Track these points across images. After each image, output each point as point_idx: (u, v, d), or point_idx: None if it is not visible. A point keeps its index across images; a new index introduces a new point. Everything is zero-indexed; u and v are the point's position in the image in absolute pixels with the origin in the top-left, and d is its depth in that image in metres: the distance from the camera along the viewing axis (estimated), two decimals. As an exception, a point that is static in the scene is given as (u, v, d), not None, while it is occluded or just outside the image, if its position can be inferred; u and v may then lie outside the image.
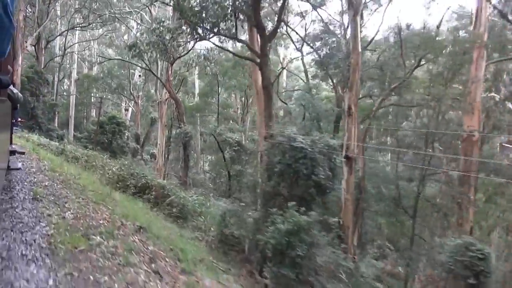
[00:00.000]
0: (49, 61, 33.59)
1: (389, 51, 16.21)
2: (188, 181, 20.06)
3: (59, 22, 34.74)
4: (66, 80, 45.02)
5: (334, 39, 20.28)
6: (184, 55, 16.54)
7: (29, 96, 24.69)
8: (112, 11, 28.71)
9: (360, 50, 11.96)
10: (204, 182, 25.07)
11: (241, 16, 10.55)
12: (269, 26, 16.26)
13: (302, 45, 21.60)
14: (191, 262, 5.01)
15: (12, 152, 5.98)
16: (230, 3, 10.35)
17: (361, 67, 12.40)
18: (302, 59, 21.57)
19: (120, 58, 32.82)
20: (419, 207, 14.26)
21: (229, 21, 10.48)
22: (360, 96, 15.90)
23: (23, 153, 9.13)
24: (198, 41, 11.75)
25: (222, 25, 10.52)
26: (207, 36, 11.23)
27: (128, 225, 5.00)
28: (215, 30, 10.57)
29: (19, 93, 5.03)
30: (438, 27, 15.50)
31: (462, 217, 12.62)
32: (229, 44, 30.29)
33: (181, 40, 12.26)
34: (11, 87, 4.12)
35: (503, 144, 19.41)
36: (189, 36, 11.57)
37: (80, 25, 34.36)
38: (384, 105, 16.48)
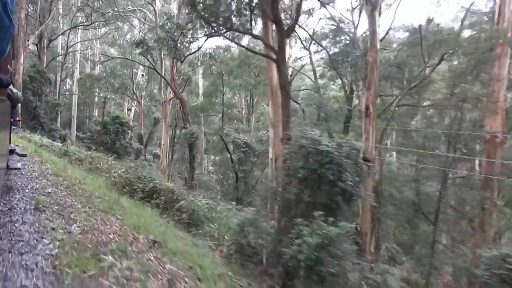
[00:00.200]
0: (51, 60, 33.16)
1: (406, 49, 15.58)
2: (194, 183, 19.53)
3: (61, 21, 34.33)
4: (68, 79, 44.64)
5: (343, 37, 19.72)
6: (194, 52, 16.02)
7: (31, 95, 24.25)
8: (116, 9, 28.21)
9: (378, 47, 11.41)
10: (209, 183, 24.53)
11: (256, 11, 10.00)
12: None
13: (310, 44, 21.04)
14: (211, 279, 4.48)
15: (11, 151, 5.84)
16: (246, -4, 9.84)
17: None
18: (310, 58, 21.05)
19: (124, 57, 32.33)
20: (438, 211, 13.67)
21: (242, 16, 9.93)
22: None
23: (24, 155, 8.63)
24: (210, 37, 11.22)
25: (235, 20, 9.98)
26: (219, 32, 10.67)
27: (141, 239, 4.47)
28: (228, 25, 10.00)
29: (19, 93, 5.00)
30: (462, 22, 14.80)
31: (485, 222, 12.05)
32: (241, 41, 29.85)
33: (192, 37, 11.72)
34: (11, 86, 4.11)
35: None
36: (200, 32, 11.03)
37: (83, 24, 33.92)
38: (400, 105, 15.88)
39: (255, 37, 11.97)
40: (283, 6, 13.67)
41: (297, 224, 5.60)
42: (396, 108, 15.71)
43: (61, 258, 3.17)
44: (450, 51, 14.09)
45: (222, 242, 7.40)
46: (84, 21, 33.31)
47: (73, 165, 11.67)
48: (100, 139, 24.21)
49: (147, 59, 22.15)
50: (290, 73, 31.21)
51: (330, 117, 19.53)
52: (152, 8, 26.19)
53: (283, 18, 11.40)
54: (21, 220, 3.81)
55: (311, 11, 20.78)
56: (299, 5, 11.27)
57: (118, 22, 34.84)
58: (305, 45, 20.75)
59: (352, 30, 19.29)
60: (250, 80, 26.19)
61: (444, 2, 28.64)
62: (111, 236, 4.22)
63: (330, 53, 18.98)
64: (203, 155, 35.95)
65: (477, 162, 16.14)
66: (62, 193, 5.72)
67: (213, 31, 10.50)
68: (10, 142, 5.41)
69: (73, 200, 5.44)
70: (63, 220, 4.30)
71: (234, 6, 9.54)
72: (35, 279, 2.73)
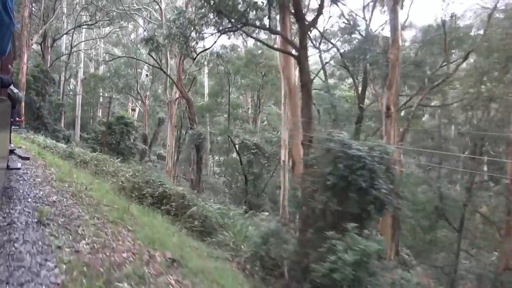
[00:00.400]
0: (55, 60, 32.81)
1: (423, 46, 14.93)
2: (201, 185, 19.01)
3: (65, 21, 33.98)
4: (72, 79, 44.33)
5: (354, 35, 19.15)
6: (207, 49, 15.50)
7: (34, 95, 23.85)
8: (121, 8, 27.77)
9: (400, 43, 10.83)
10: (216, 186, 24.03)
11: (275, 3, 9.42)
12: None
13: (320, 42, 20.46)
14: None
15: (11, 151, 5.85)
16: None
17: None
18: (320, 56, 20.48)
19: (129, 56, 31.92)
20: (455, 215, 12.98)
21: (259, 10, 9.37)
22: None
23: (27, 158, 8.14)
24: (224, 33, 10.66)
25: (252, 14, 9.42)
26: (234, 28, 10.10)
27: (157, 257, 3.94)
28: (244, 20, 9.42)
29: (19, 93, 5.14)
30: (489, 18, 14.10)
31: (512, 229, 11.47)
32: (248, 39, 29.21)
33: (205, 32, 11.20)
34: (11, 86, 4.18)
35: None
36: (213, 28, 10.45)
37: (87, 24, 33.53)
38: (421, 104, 15.27)
39: (274, 32, 11.33)
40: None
41: (328, 237, 5.05)
42: (406, 108, 15.11)
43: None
44: (471, 49, 13.45)
45: (238, 252, 6.86)
46: (88, 20, 32.93)
47: (78, 168, 11.19)
48: (105, 140, 23.76)
49: (153, 58, 21.65)
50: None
51: (341, 118, 18.95)
52: (157, 6, 25.73)
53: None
54: (22, 239, 3.30)
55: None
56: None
57: (122, 22, 34.45)
58: (314, 43, 20.15)
59: (364, 27, 18.70)
60: (257, 80, 25.65)
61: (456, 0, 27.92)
62: (125, 255, 3.69)
63: (341, 51, 18.39)
64: (207, 156, 35.50)
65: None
66: (68, 202, 5.21)
67: (227, 26, 9.93)
68: (10, 142, 5.29)
69: (80, 210, 4.92)
70: (70, 236, 3.78)
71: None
72: (37, 322, 2.21)
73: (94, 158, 13.04)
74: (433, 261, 14.36)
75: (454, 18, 14.28)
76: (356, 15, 18.96)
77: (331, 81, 22.91)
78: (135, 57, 28.79)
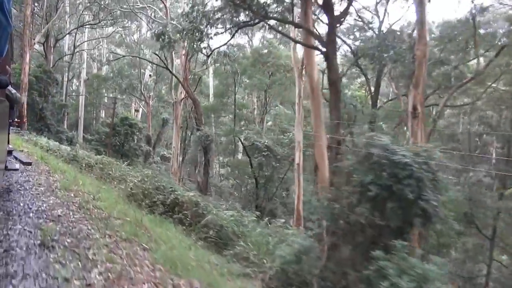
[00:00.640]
0: (58, 60, 32.33)
1: (448, 43, 14.21)
2: (209, 188, 18.40)
3: (68, 20, 33.51)
4: (75, 80, 43.91)
5: (367, 32, 18.50)
6: (223, 45, 14.97)
7: (37, 96, 23.35)
8: (125, 6, 27.22)
9: (428, 39, 10.15)
10: (222, 188, 23.40)
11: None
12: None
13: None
14: None
15: (9, 152, 5.88)
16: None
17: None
18: (330, 55, 19.73)
19: (134, 55, 31.41)
20: (485, 222, 12.29)
21: (280, 2, 8.78)
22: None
23: (29, 164, 7.57)
24: (242, 27, 10.06)
25: (272, 7, 8.84)
26: (253, 21, 9.49)
27: (182, 286, 3.31)
28: (263, 13, 8.81)
29: (17, 93, 5.27)
30: None
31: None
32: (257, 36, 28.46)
33: (221, 27, 10.50)
34: (9, 87, 4.14)
35: None
36: (230, 23, 9.77)
37: (90, 23, 33.04)
38: (448, 105, 14.61)
39: (298, 26, 10.64)
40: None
41: (374, 257, 4.42)
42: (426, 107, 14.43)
43: None
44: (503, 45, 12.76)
45: (261, 267, 6.23)
46: (91, 20, 32.43)
47: (83, 172, 10.62)
48: (110, 141, 23.20)
49: (158, 57, 21.06)
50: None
51: (353, 118, 18.30)
52: (162, 5, 25.17)
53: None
54: (22, 271, 2.68)
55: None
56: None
57: (126, 21, 33.96)
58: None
59: (375, 24, 18.04)
60: (264, 80, 25.02)
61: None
62: (146, 286, 3.06)
63: (353, 49, 17.72)
64: (214, 158, 34.93)
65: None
66: (75, 216, 4.59)
67: (244, 21, 9.31)
68: (8, 143, 5.26)
69: (89, 226, 4.30)
70: (79, 263, 3.16)
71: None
72: None
73: (99, 161, 12.46)
74: (459, 269, 13.61)
75: (485, 11, 13.51)
76: (370, 11, 18.33)
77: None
78: (140, 56, 28.22)
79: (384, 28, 16.43)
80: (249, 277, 6.05)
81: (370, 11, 18.53)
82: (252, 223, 9.77)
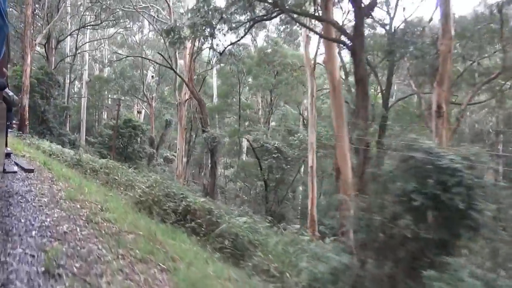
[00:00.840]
0: (59, 61, 31.92)
1: (468, 38, 13.58)
2: (216, 190, 17.88)
3: (69, 22, 33.12)
4: (76, 82, 43.54)
5: (374, 30, 17.95)
6: (238, 41, 14.33)
7: (39, 99, 22.93)
8: (127, 6, 26.76)
9: (453, 33, 9.58)
10: (228, 190, 22.88)
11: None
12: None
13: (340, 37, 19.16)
14: None
15: (7, 155, 6.00)
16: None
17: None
18: (339, 53, 19.17)
19: (138, 55, 30.98)
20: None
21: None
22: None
23: (31, 171, 7.08)
24: (257, 22, 9.51)
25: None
26: (270, 15, 8.96)
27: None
28: (281, 5, 8.26)
29: (15, 96, 5.26)
30: None
31: None
32: (261, 35, 27.91)
33: (234, 22, 9.91)
34: (6, 89, 4.21)
35: None
36: (245, 17, 9.23)
37: (91, 24, 32.61)
38: (471, 103, 14.02)
39: (321, 19, 10.05)
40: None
41: (427, 277, 3.90)
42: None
43: None
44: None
45: (285, 283, 5.71)
46: (93, 20, 32.01)
47: (88, 178, 10.13)
48: (115, 144, 22.71)
49: (162, 56, 20.56)
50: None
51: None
52: (165, 4, 24.70)
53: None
54: (22, 315, 2.16)
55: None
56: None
57: (128, 21, 33.53)
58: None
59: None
60: (270, 79, 24.49)
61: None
62: (173, 326, 2.54)
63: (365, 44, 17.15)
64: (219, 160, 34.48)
65: None
66: (83, 232, 4.07)
67: (260, 15, 8.78)
68: (6, 146, 5.38)
69: (99, 245, 3.78)
70: (92, 296, 2.64)
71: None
72: None
73: (104, 165, 11.97)
74: None
75: (509, 3, 12.81)
76: (379, 7, 17.71)
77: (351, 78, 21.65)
78: (143, 56, 27.78)
79: (395, 24, 15.80)
80: (273, 294, 5.52)
81: (379, 7, 17.94)
82: (266, 230, 9.26)
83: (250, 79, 29.33)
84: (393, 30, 14.49)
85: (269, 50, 26.25)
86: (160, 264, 3.99)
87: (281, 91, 24.86)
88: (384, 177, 4.90)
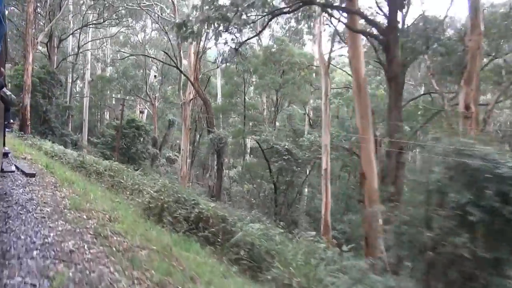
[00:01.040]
0: (61, 60, 31.48)
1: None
2: (222, 193, 17.36)
3: (71, 20, 32.68)
4: (79, 81, 43.12)
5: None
6: (256, 35, 13.78)
7: (41, 98, 22.47)
8: (130, 4, 26.27)
9: (482, 28, 9.01)
10: (235, 192, 22.36)
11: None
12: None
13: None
14: None
15: (5, 155, 5.93)
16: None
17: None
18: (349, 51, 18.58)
19: (142, 54, 30.56)
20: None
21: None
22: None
23: (33, 175, 6.60)
24: (277, 15, 8.97)
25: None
26: (290, 8, 8.42)
27: None
28: None
29: (12, 95, 5.17)
30: None
31: None
32: (265, 34, 27.44)
33: (252, 15, 9.34)
34: (4, 89, 4.16)
35: None
36: (262, 10, 8.66)
37: (93, 23, 32.16)
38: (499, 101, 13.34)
39: (348, 11, 9.41)
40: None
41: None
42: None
43: None
44: None
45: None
46: (96, 19, 31.57)
47: (92, 181, 9.65)
48: (118, 145, 22.22)
49: (168, 55, 20.08)
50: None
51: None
52: (170, 1, 24.23)
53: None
54: None
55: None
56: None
57: (130, 20, 33.06)
58: (342, 37, 18.35)
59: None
60: (277, 79, 23.94)
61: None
62: None
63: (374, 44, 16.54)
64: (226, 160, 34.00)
65: None
66: (91, 250, 3.56)
67: (279, 7, 8.25)
68: (4, 145, 5.22)
69: (111, 267, 3.27)
70: None
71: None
72: None
73: (109, 168, 11.47)
74: None
75: None
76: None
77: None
78: (147, 55, 27.35)
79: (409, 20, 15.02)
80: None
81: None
82: (280, 236, 8.74)
83: (254, 79, 28.83)
84: (406, 27, 13.77)
85: (274, 49, 25.73)
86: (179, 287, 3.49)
87: (287, 90, 24.31)
88: (431, 186, 4.38)
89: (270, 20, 9.86)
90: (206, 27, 8.88)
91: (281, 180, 15.80)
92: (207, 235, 6.85)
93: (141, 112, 43.55)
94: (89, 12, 31.17)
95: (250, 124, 30.53)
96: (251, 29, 12.07)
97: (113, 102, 44.55)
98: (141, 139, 26.07)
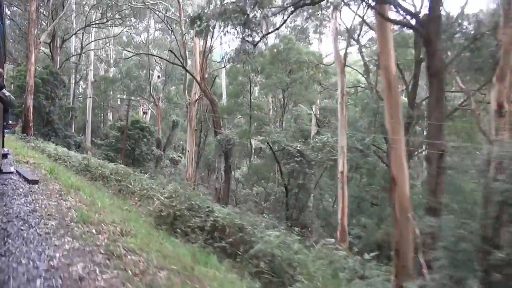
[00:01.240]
0: (64, 61, 31.08)
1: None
2: (231, 197, 16.84)
3: (74, 21, 32.32)
4: (82, 82, 42.78)
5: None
6: (277, 29, 13.21)
7: (44, 99, 22.03)
8: (134, 3, 25.83)
9: None
10: (243, 195, 21.83)
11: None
12: None
13: (359, 35, 18.16)
14: None
15: (4, 156, 5.97)
16: None
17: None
18: (360, 50, 18.15)
19: (146, 53, 30.13)
20: None
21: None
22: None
23: (36, 182, 6.10)
24: (302, 6, 8.41)
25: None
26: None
27: None
28: None
29: (11, 96, 5.07)
30: None
31: None
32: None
33: (273, 7, 8.77)
34: (3, 90, 4.28)
35: None
36: (284, 2, 8.14)
37: (97, 22, 31.76)
38: None
39: (386, 1, 8.73)
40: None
41: None
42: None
43: None
44: None
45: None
46: (98, 19, 31.17)
47: (98, 186, 9.17)
48: (124, 146, 21.73)
49: (174, 54, 19.60)
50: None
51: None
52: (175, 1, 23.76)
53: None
54: None
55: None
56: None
57: (134, 19, 32.64)
58: (353, 36, 17.86)
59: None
60: (284, 78, 23.40)
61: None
62: None
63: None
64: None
65: None
66: (104, 275, 3.04)
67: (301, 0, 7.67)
68: (3, 146, 5.21)
69: (129, 298, 2.76)
70: None
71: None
72: None
73: (115, 171, 10.98)
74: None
75: None
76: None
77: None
78: (152, 54, 26.92)
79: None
80: None
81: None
82: (296, 243, 8.20)
83: (259, 78, 28.33)
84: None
85: (281, 48, 25.21)
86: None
87: (294, 90, 23.78)
88: (496, 197, 3.84)
89: (292, 12, 9.31)
90: (222, 21, 8.35)
91: (292, 183, 15.28)
92: (224, 245, 6.32)
93: (145, 112, 43.15)
94: (92, 11, 30.77)
95: (255, 124, 30.06)
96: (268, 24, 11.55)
97: (118, 103, 44.21)
98: (146, 141, 25.61)
